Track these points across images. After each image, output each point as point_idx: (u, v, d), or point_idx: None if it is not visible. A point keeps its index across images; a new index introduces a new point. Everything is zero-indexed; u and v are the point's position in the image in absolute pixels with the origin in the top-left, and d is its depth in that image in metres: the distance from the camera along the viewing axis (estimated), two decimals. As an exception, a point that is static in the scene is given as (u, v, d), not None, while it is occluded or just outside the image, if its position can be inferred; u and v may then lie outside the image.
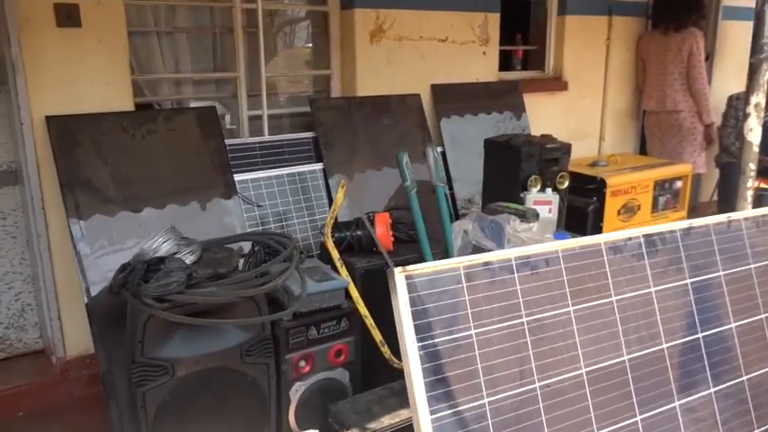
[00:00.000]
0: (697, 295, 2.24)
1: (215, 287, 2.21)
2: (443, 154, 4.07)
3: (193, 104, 3.57)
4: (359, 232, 2.86)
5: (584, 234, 4.33)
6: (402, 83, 3.96)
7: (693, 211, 6.12)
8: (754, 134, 2.60)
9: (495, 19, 4.30)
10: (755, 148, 2.62)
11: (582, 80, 4.90)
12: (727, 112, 5.44)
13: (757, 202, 5.79)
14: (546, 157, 3.42)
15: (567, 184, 3.55)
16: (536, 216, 3.00)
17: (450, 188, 4.05)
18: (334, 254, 2.66)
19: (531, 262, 1.91)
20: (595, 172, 4.32)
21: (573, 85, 4.86)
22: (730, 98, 5.41)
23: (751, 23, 5.82)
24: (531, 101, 4.60)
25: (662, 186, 4.58)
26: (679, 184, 4.66)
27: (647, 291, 2.12)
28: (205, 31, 3.64)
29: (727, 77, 5.85)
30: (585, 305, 1.96)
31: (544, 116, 4.75)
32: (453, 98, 4.17)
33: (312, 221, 3.48)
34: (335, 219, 2.81)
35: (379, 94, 3.86)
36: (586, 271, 2.00)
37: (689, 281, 2.24)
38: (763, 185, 5.45)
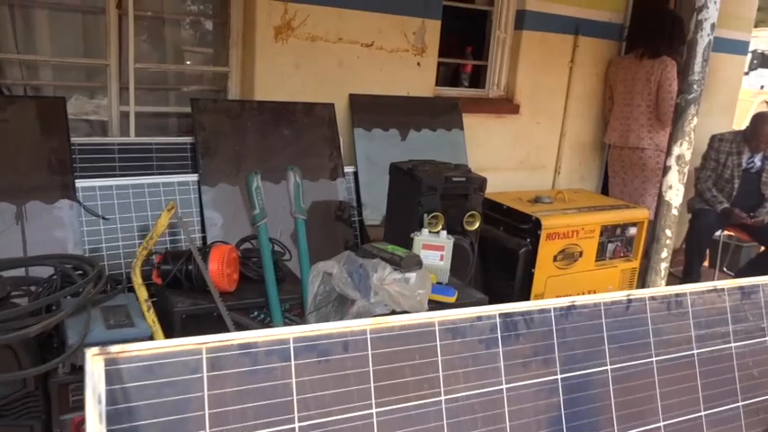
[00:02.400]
0: (569, 395, 1.72)
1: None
2: (355, 174, 3.56)
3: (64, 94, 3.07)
4: (191, 266, 2.34)
5: (512, 280, 3.81)
6: (313, 90, 3.45)
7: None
8: (673, 193, 2.07)
9: (434, 27, 3.78)
10: (674, 212, 2.09)
11: (537, 104, 4.37)
12: (707, 154, 4.92)
13: (734, 254, 5.23)
14: (451, 193, 2.89)
15: (477, 225, 3.03)
16: (418, 264, 2.48)
17: (360, 214, 3.53)
18: (141, 293, 2.15)
19: (320, 345, 1.40)
20: (532, 210, 3.78)
21: (526, 108, 4.33)
22: (712, 138, 4.88)
23: (744, 57, 5.26)
24: (474, 123, 4.08)
25: (611, 232, 4.04)
26: (633, 230, 4.12)
27: (495, 389, 1.60)
28: (71, 9, 3.14)
29: (712, 115, 5.29)
30: (399, 406, 1.45)
31: (489, 141, 4.22)
32: (374, 112, 3.65)
33: (174, 242, 2.97)
34: (155, 251, 2.30)
35: (285, 100, 3.35)
36: (407, 360, 1.48)
37: (560, 377, 1.72)
38: (729, 233, 4.91)
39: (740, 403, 2.08)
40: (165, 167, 3.06)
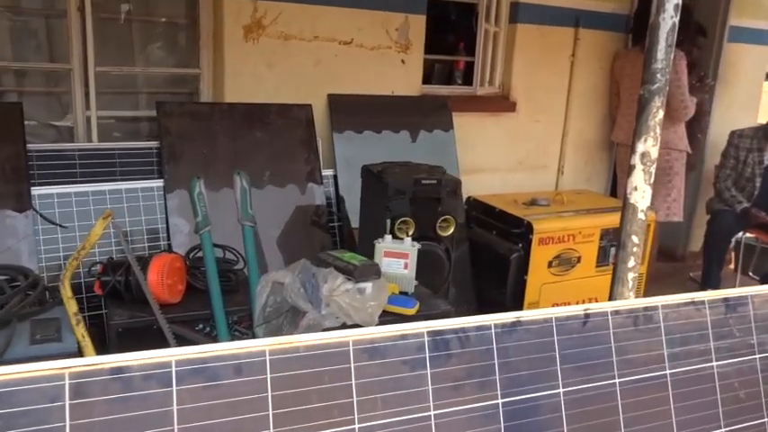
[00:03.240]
0: (511, 422, 1.54)
1: None
2: (335, 177, 3.41)
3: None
4: (131, 276, 2.22)
5: (503, 287, 3.60)
6: (289, 91, 3.32)
7: (678, 261, 5.27)
8: (638, 195, 1.85)
9: (419, 22, 3.61)
10: (641, 215, 1.88)
11: (536, 102, 4.15)
12: (726, 151, 4.62)
13: (760, 257, 4.89)
14: (421, 196, 2.72)
15: (452, 230, 2.84)
16: (375, 274, 2.32)
17: (339, 219, 3.38)
18: (71, 306, 2.04)
19: (208, 369, 1.26)
20: (525, 213, 3.58)
21: (523, 106, 4.11)
22: (732, 134, 4.58)
23: (764, 47, 4.92)
24: (467, 122, 3.88)
25: (614, 235, 3.78)
26: (638, 234, 3.85)
27: (421, 415, 1.44)
28: (33, 14, 3.07)
29: (732, 109, 4.98)
30: (303, 437, 1.29)
31: (484, 141, 4.02)
32: (355, 112, 3.50)
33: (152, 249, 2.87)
34: (86, 263, 2.20)
35: (259, 101, 3.23)
36: (314, 384, 1.33)
37: (500, 401, 1.55)
38: (752, 234, 4.58)
39: (722, 430, 1.86)
40: (130, 174, 2.97)
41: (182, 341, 2.22)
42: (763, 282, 4.60)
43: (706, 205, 4.78)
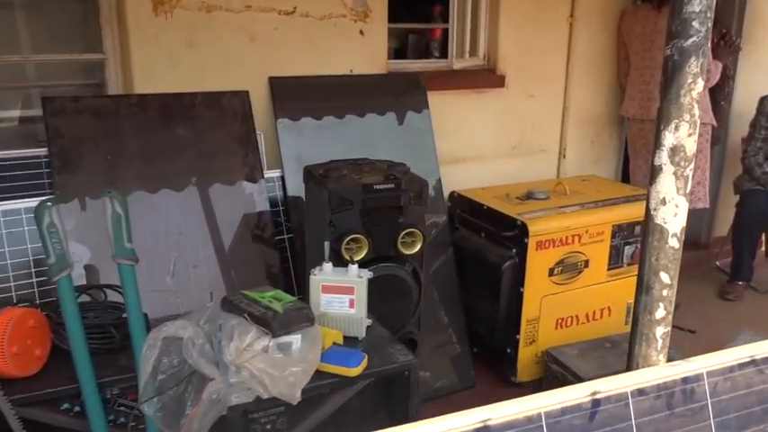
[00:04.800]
0: None
1: None
2: (282, 179, 2.78)
3: None
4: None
5: (496, 302, 2.96)
6: (217, 75, 2.68)
7: (702, 249, 4.60)
8: (668, 211, 1.21)
9: (379, -18, 2.95)
10: (673, 242, 1.23)
11: (528, 73, 3.47)
12: (755, 121, 3.96)
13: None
14: (375, 206, 2.08)
15: (419, 246, 2.20)
16: (307, 321, 1.70)
17: (290, 231, 2.75)
18: None
19: None
20: (518, 210, 2.93)
21: (514, 79, 3.44)
22: (762, 101, 3.91)
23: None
24: (446, 102, 3.23)
25: (629, 231, 3.15)
26: (658, 227, 3.20)
27: None
28: None
29: (758, 70, 4.27)
30: None
31: (468, 124, 3.37)
32: (305, 97, 2.85)
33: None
34: None
35: (178, 90, 2.60)
36: None
37: None
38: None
39: None
40: (15, 190, 2.35)
41: (36, 428, 1.62)
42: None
43: (734, 184, 4.12)
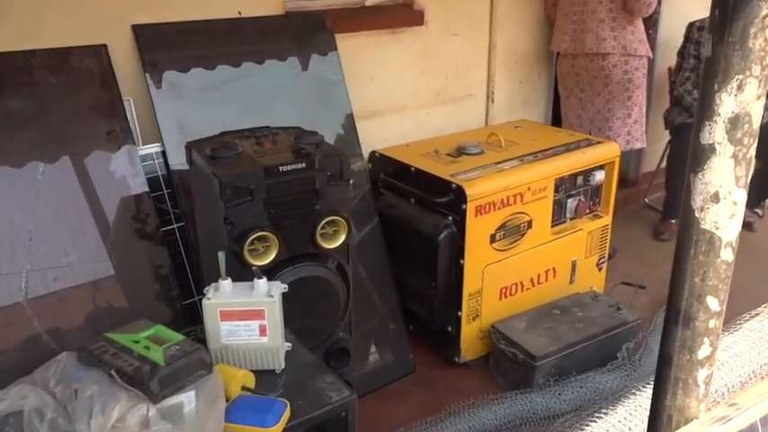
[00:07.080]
0: None
1: None
2: (163, 154, 2.21)
3: None
4: None
5: (433, 278, 2.58)
6: (61, 27, 2.04)
7: (630, 186, 4.42)
8: (723, 210, 0.80)
9: None
10: (726, 253, 0.84)
11: (450, 7, 3.01)
12: (684, 48, 3.71)
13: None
14: (283, 193, 1.59)
15: (343, 238, 1.74)
16: (201, 370, 1.23)
17: (179, 219, 2.21)
18: None
19: None
20: (452, 171, 2.52)
21: (434, 15, 2.96)
22: (690, 26, 3.66)
23: None
24: (358, 46, 2.73)
25: (571, 183, 2.83)
26: (600, 175, 2.90)
27: None
28: None
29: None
30: None
31: (384, 71, 2.88)
32: (182, 48, 2.27)
33: None
34: None
35: (9, 49, 1.96)
36: None
37: None
38: None
39: None
40: None
41: None
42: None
43: (664, 119, 3.89)
